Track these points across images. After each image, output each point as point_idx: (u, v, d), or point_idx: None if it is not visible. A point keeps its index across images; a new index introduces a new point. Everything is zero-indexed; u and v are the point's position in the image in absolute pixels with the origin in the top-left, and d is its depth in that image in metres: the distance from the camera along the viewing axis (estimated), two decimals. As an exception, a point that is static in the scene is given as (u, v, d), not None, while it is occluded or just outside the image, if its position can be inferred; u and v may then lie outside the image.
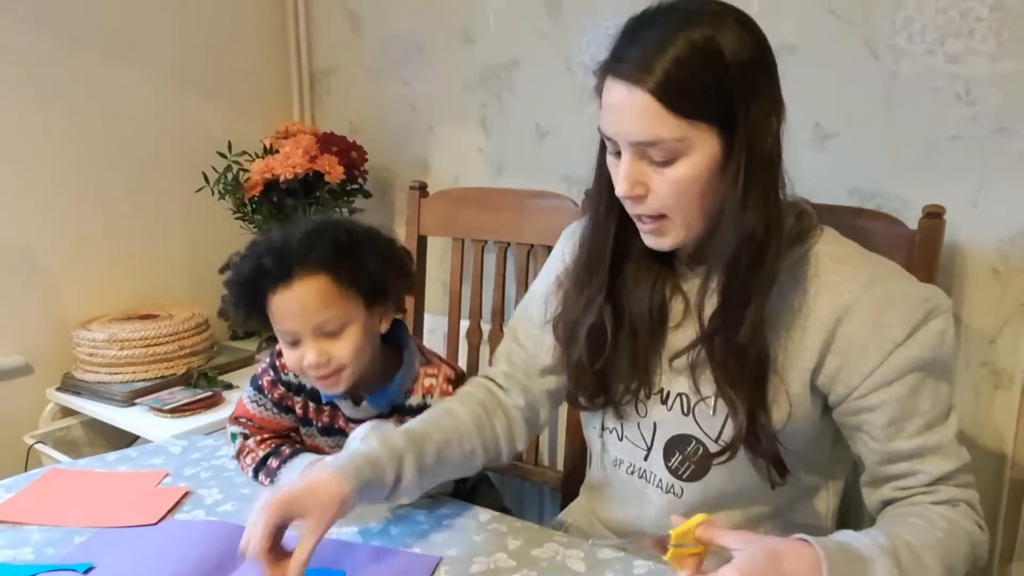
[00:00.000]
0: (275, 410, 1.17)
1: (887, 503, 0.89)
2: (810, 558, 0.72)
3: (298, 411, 1.17)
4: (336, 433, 1.16)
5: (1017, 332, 1.24)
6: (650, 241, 0.90)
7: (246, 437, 1.17)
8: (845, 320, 0.85)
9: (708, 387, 0.90)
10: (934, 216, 1.14)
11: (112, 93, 1.80)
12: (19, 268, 1.70)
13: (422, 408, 1.08)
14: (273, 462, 1.13)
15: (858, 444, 0.90)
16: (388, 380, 1.12)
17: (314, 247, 1.03)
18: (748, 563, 0.71)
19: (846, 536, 0.79)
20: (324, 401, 1.14)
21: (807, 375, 0.88)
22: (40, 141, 1.70)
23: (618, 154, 0.86)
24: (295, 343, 1.05)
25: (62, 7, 1.69)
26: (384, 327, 1.12)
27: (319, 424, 1.16)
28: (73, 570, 0.92)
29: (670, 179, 0.83)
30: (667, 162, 0.82)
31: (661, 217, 0.87)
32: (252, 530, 0.80)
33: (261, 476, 1.13)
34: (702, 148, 0.81)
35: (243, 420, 1.19)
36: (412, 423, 1.00)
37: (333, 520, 0.83)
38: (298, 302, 1.02)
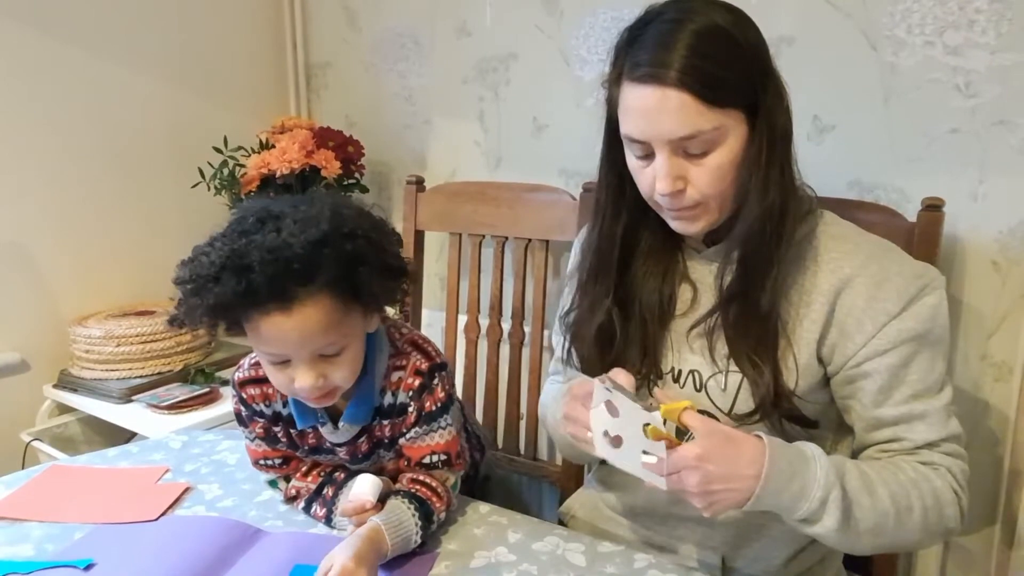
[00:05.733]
0: (269, 444, 1.06)
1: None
2: (759, 447, 0.81)
3: (282, 439, 1.05)
4: (325, 452, 1.05)
5: (1016, 324, 1.24)
6: (682, 227, 0.93)
7: (287, 480, 1.08)
8: (844, 294, 0.90)
9: (722, 361, 0.94)
10: (933, 208, 1.15)
11: (107, 88, 1.79)
12: (15, 264, 1.69)
13: (393, 407, 1.01)
14: (328, 491, 1.04)
15: (850, 414, 0.94)
16: (362, 379, 0.99)
17: (319, 265, 0.85)
18: (708, 443, 0.80)
19: (800, 442, 0.86)
20: (299, 427, 1.02)
21: (813, 346, 0.92)
22: (35, 138, 1.68)
23: (646, 157, 0.88)
24: (283, 363, 0.92)
25: (57, 3, 1.67)
26: (375, 327, 0.99)
27: (305, 447, 1.05)
28: (73, 566, 0.92)
29: (709, 168, 0.86)
30: (704, 153, 0.86)
31: (695, 205, 0.89)
32: None
33: (315, 507, 1.04)
34: (735, 133, 0.85)
35: (264, 463, 1.07)
36: None
37: None
38: (297, 330, 0.86)
